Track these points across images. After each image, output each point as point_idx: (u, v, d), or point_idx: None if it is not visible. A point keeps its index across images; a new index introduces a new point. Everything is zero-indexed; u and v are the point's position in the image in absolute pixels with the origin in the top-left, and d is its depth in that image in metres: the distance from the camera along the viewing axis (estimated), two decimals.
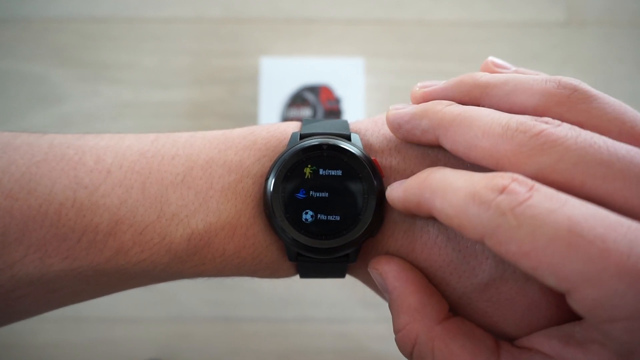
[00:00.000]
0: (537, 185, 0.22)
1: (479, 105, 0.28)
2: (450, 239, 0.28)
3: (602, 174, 0.23)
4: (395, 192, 0.28)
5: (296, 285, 0.76)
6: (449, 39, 0.82)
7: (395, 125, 0.30)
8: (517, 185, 0.22)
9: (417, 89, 0.31)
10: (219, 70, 0.81)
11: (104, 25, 0.81)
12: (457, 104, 0.28)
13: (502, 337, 0.27)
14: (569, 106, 0.26)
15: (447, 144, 0.27)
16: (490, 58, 0.31)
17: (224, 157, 0.30)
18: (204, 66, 0.81)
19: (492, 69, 0.31)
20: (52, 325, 0.76)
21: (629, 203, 0.23)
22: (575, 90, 0.26)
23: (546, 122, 0.24)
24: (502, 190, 0.22)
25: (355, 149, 0.29)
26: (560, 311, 0.26)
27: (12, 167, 0.28)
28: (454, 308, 0.29)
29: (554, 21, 0.82)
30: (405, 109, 0.29)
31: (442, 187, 0.24)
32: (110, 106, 0.80)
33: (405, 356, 0.28)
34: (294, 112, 0.77)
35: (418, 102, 0.30)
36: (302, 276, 0.31)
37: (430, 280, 0.29)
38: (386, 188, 0.30)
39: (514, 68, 0.31)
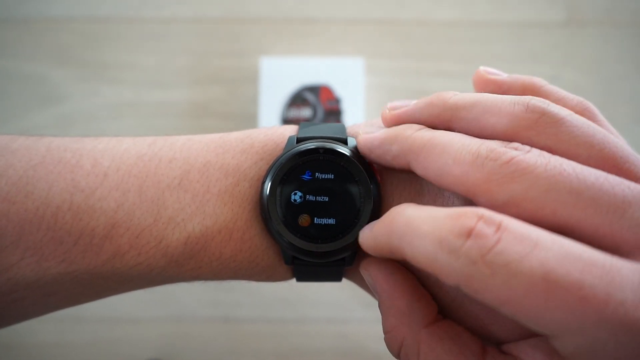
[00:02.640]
0: (505, 222, 0.22)
1: (449, 128, 0.28)
2: None
3: (573, 202, 0.23)
4: (366, 239, 0.27)
5: (296, 286, 0.77)
6: (449, 39, 0.82)
7: (365, 150, 0.29)
8: (484, 226, 0.22)
9: (387, 111, 0.31)
10: (219, 70, 0.81)
11: (104, 25, 0.81)
12: (427, 129, 0.28)
13: (491, 340, 0.27)
14: (538, 130, 0.25)
15: (418, 169, 0.27)
16: (482, 68, 0.31)
17: (221, 160, 0.30)
18: (204, 66, 0.81)
19: (485, 77, 0.31)
20: (52, 325, 0.76)
21: (599, 231, 0.23)
22: (543, 114, 0.26)
23: (516, 149, 0.24)
24: (469, 234, 0.21)
25: (352, 152, 0.30)
26: None
27: (10, 171, 0.28)
28: (446, 310, 0.29)
29: (554, 21, 0.82)
30: (375, 133, 0.29)
31: (409, 234, 0.24)
32: (110, 106, 0.80)
33: (393, 356, 0.28)
34: (294, 112, 0.77)
35: (389, 125, 0.30)
36: (298, 280, 0.32)
37: (423, 283, 0.29)
38: (383, 191, 0.30)
39: (505, 74, 0.30)
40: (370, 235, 0.27)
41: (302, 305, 0.77)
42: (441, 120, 0.28)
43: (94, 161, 0.29)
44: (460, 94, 0.28)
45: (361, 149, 0.30)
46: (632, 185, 0.24)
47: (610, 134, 0.26)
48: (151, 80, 0.81)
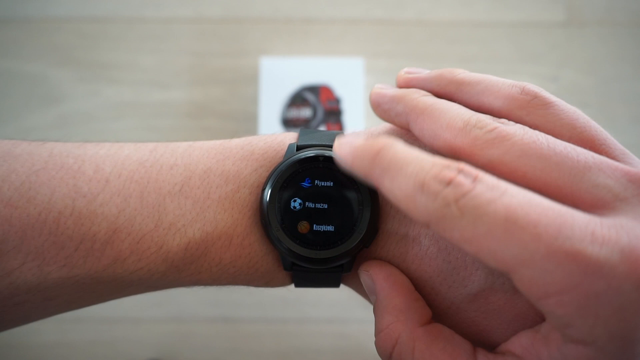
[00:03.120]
0: (481, 175, 0.24)
1: (452, 99, 0.30)
2: (441, 250, 0.29)
3: (541, 166, 0.25)
4: (344, 152, 0.27)
5: None
6: (449, 39, 0.82)
7: (374, 104, 0.32)
8: (463, 177, 0.23)
9: (403, 73, 0.33)
10: (219, 70, 0.81)
11: (104, 25, 0.82)
12: (432, 96, 0.30)
13: (488, 345, 0.28)
14: (529, 110, 0.28)
15: (415, 130, 0.29)
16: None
17: (221, 167, 0.30)
18: (204, 66, 0.81)
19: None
20: (53, 325, 0.76)
21: (562, 191, 0.25)
22: (535, 96, 0.29)
23: (501, 122, 0.27)
24: (449, 182, 0.23)
25: None
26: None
27: (12, 176, 0.28)
28: (442, 316, 0.30)
29: (554, 21, 0.82)
30: (387, 90, 0.32)
31: (394, 169, 0.25)
32: (110, 106, 0.80)
33: (383, 358, 0.28)
34: (294, 112, 0.77)
35: (401, 86, 0.33)
36: (297, 285, 0.32)
37: (420, 290, 0.29)
38: (381, 199, 0.30)
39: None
40: (349, 151, 0.27)
41: (302, 305, 0.77)
42: (446, 91, 0.31)
43: (96, 167, 0.29)
44: (468, 72, 0.31)
45: (372, 101, 0.32)
46: (596, 155, 0.26)
47: (592, 121, 0.29)
48: (151, 80, 0.81)
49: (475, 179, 0.23)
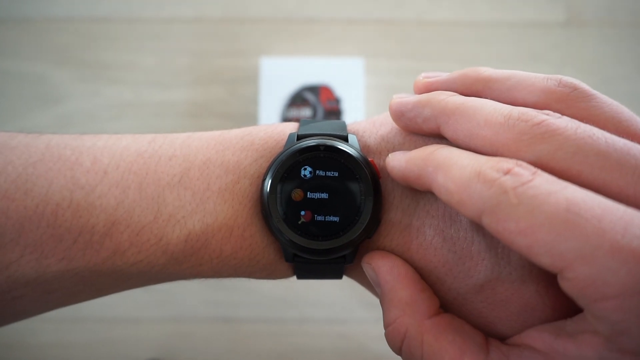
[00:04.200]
0: (540, 171, 0.23)
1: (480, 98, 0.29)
2: (446, 240, 0.28)
3: (600, 164, 0.23)
4: (397, 161, 0.28)
5: (296, 286, 0.76)
6: (449, 39, 0.82)
7: (398, 113, 0.30)
8: (521, 169, 0.23)
9: (421, 78, 0.32)
10: (219, 70, 0.81)
11: (104, 25, 0.81)
12: (460, 95, 0.29)
13: (495, 337, 0.27)
14: (569, 104, 0.26)
15: (448, 132, 0.28)
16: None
17: (221, 157, 0.30)
18: (204, 66, 0.81)
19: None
20: (53, 325, 0.76)
21: (623, 192, 0.23)
22: (575, 88, 0.27)
23: (547, 114, 0.25)
24: (507, 172, 0.23)
25: (353, 150, 0.29)
26: (555, 313, 0.26)
27: (9, 168, 0.28)
28: (448, 308, 0.29)
29: (554, 21, 0.82)
30: (408, 97, 0.30)
31: (448, 163, 0.25)
32: (110, 106, 0.80)
33: (394, 351, 0.28)
34: (294, 112, 0.77)
35: (420, 92, 0.31)
36: (299, 277, 0.31)
37: (425, 280, 0.29)
38: (384, 189, 0.30)
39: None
40: (402, 157, 0.27)
41: (302, 305, 0.77)
42: (473, 90, 0.29)
43: (94, 158, 0.29)
44: (494, 69, 0.29)
45: (393, 112, 0.30)
46: None
47: (635, 114, 0.27)
48: (151, 80, 0.81)
49: (534, 173, 0.23)
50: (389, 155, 0.29)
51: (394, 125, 0.31)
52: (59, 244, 0.28)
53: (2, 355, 0.76)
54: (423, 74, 0.32)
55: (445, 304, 0.29)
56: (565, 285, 0.22)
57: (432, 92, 0.30)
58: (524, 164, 0.23)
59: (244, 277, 0.31)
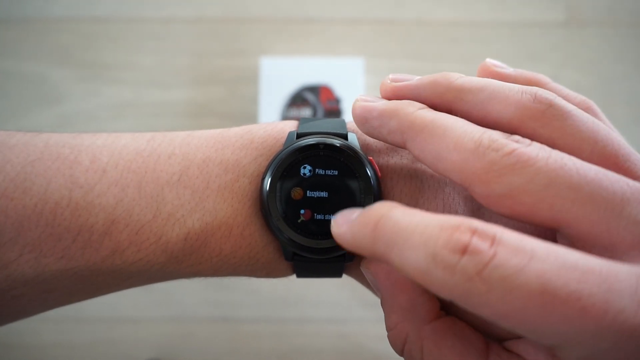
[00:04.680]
0: (499, 235, 0.21)
1: (451, 109, 0.28)
2: None
3: (572, 197, 0.23)
4: (343, 231, 0.25)
5: (296, 286, 0.76)
6: (449, 39, 0.82)
7: (361, 119, 0.29)
8: (479, 241, 0.21)
9: (389, 81, 0.30)
10: (219, 70, 0.81)
11: (104, 25, 0.81)
12: (430, 109, 0.27)
13: (494, 336, 0.27)
14: (543, 122, 0.25)
15: (415, 150, 0.27)
16: (489, 60, 0.31)
17: (220, 156, 0.30)
18: (204, 66, 0.81)
19: (492, 69, 0.30)
20: (53, 325, 0.76)
21: (595, 229, 0.23)
22: (550, 105, 0.26)
23: (517, 141, 0.24)
24: (464, 250, 0.21)
25: (352, 148, 0.29)
26: None
27: (7, 166, 0.28)
28: (449, 306, 0.29)
29: (554, 21, 0.82)
30: (374, 102, 0.29)
31: (398, 244, 0.22)
32: (110, 106, 0.80)
33: (397, 353, 0.28)
34: (294, 112, 0.77)
35: (388, 97, 0.30)
36: (298, 276, 0.31)
37: None
38: (383, 187, 0.30)
39: (511, 69, 0.30)
40: (348, 232, 0.25)
41: (302, 305, 0.77)
42: (444, 100, 0.28)
43: (93, 157, 0.29)
44: (467, 77, 0.28)
45: (356, 116, 0.29)
46: (631, 182, 0.23)
47: (611, 131, 0.26)
48: (151, 80, 0.81)
49: (493, 242, 0.21)
50: (332, 221, 0.26)
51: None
52: (58, 243, 0.28)
53: (2, 355, 0.76)
54: (391, 76, 0.30)
55: (445, 304, 0.29)
56: (560, 356, 0.22)
57: (400, 102, 0.28)
58: (480, 229, 0.21)
59: (244, 275, 0.31)
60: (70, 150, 0.29)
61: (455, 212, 0.28)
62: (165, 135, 0.31)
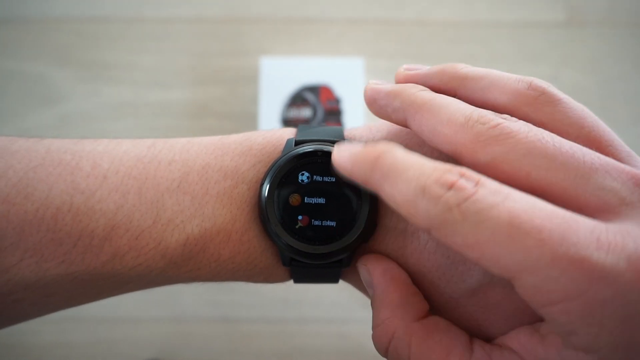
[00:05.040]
0: (483, 179, 0.23)
1: (455, 95, 0.30)
2: (439, 245, 0.29)
3: (546, 166, 0.25)
4: (343, 160, 0.27)
5: (296, 286, 0.77)
6: (449, 39, 0.82)
7: (370, 100, 0.31)
8: (465, 181, 0.23)
9: (402, 69, 0.33)
10: (219, 70, 0.81)
11: (104, 25, 0.82)
12: (430, 91, 0.29)
13: (484, 338, 0.28)
14: (535, 107, 0.28)
15: (413, 125, 0.29)
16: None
17: (220, 162, 0.30)
18: (204, 66, 0.81)
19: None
20: (53, 325, 0.76)
21: (566, 194, 0.24)
22: (543, 93, 0.28)
23: (504, 118, 0.26)
24: (451, 186, 0.23)
25: None
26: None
27: (10, 172, 0.28)
28: (440, 310, 0.29)
29: (554, 21, 0.82)
30: (383, 85, 0.31)
31: (394, 173, 0.25)
32: (110, 106, 0.80)
33: (379, 352, 0.29)
34: (294, 112, 0.77)
35: (400, 82, 0.32)
36: (296, 281, 0.32)
37: (419, 284, 0.29)
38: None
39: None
40: (348, 157, 0.27)
41: (302, 305, 0.77)
42: (449, 87, 0.30)
43: (94, 163, 0.29)
44: (471, 67, 0.30)
45: (367, 97, 0.31)
46: (603, 156, 0.26)
47: (600, 120, 0.28)
48: (151, 80, 0.81)
49: (477, 183, 0.23)
50: (335, 147, 0.28)
51: (390, 130, 0.32)
52: (59, 248, 0.28)
53: (3, 355, 0.76)
54: (405, 66, 0.33)
55: (438, 306, 0.29)
56: (518, 292, 0.23)
57: (405, 85, 0.30)
58: (468, 173, 0.23)
59: (242, 281, 0.31)
60: (71, 157, 0.29)
61: None
62: (166, 141, 0.31)
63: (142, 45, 0.81)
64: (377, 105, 0.31)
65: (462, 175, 0.23)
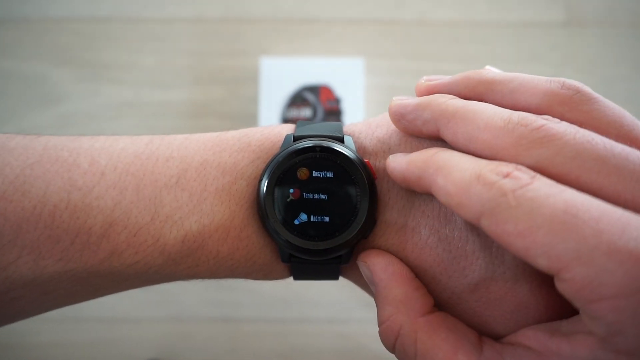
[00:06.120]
0: (539, 175, 0.23)
1: (482, 101, 0.29)
2: (441, 240, 0.28)
3: (598, 169, 0.24)
4: (398, 163, 0.28)
5: (296, 286, 0.77)
6: (449, 39, 0.82)
7: (397, 115, 0.30)
8: (520, 172, 0.23)
9: (423, 81, 0.32)
10: (219, 70, 0.81)
11: (104, 25, 0.82)
12: (460, 99, 0.29)
13: (490, 335, 0.28)
14: (571, 106, 0.27)
15: (447, 135, 0.28)
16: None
17: (218, 159, 0.30)
18: (204, 66, 0.81)
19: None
20: (53, 325, 0.76)
21: (621, 197, 0.23)
22: (578, 91, 0.27)
23: (546, 119, 0.25)
24: (507, 175, 0.23)
25: (348, 151, 0.30)
26: (548, 311, 0.27)
27: (6, 169, 0.28)
28: (443, 306, 0.29)
29: (554, 21, 0.82)
30: (408, 99, 0.30)
31: (449, 166, 0.25)
32: (110, 106, 0.80)
33: (387, 349, 0.28)
34: (294, 112, 0.77)
35: (422, 94, 0.31)
36: (295, 278, 0.32)
37: (420, 279, 0.29)
38: (379, 190, 0.30)
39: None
40: (403, 159, 0.28)
41: (302, 305, 0.77)
42: (476, 92, 0.29)
43: (91, 160, 0.29)
44: (497, 70, 0.30)
45: (393, 114, 0.30)
46: None
47: (637, 120, 0.27)
48: (151, 80, 0.81)
49: (533, 177, 0.23)
50: (390, 156, 0.29)
51: (390, 126, 0.31)
52: (57, 245, 0.28)
53: (2, 355, 0.76)
54: (425, 77, 0.32)
55: (441, 303, 0.29)
56: (562, 286, 0.22)
57: (433, 95, 0.30)
58: (524, 168, 0.23)
59: (241, 277, 0.31)
60: (69, 153, 0.29)
61: (452, 214, 0.29)
62: (164, 138, 0.31)
63: (142, 45, 0.81)
64: (405, 120, 0.30)
65: (517, 169, 0.23)
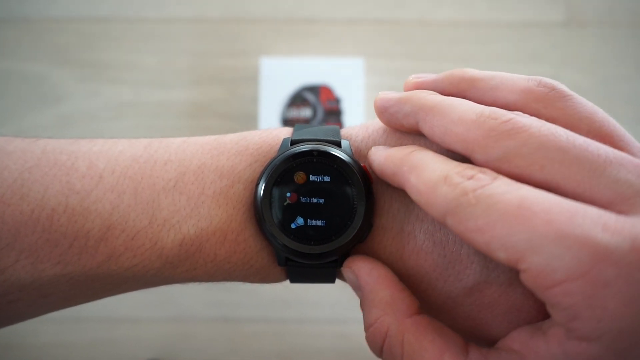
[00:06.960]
0: (501, 176, 0.24)
1: (465, 97, 0.30)
2: (436, 244, 0.29)
3: (560, 159, 0.25)
4: (377, 156, 0.29)
5: (296, 286, 0.77)
6: (449, 39, 0.82)
7: (381, 109, 0.31)
8: (483, 175, 0.24)
9: (411, 79, 0.33)
10: (219, 70, 0.81)
11: (104, 25, 0.82)
12: (439, 94, 0.30)
13: (484, 339, 0.28)
14: (546, 103, 0.28)
15: (425, 128, 0.29)
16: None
17: (216, 162, 0.30)
18: (204, 66, 0.81)
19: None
20: (53, 325, 0.76)
21: (580, 187, 0.25)
22: (553, 89, 0.28)
23: (515, 114, 0.27)
24: (470, 178, 0.24)
25: (345, 155, 0.30)
26: (540, 314, 0.27)
27: (5, 173, 0.28)
28: (438, 312, 0.29)
29: (554, 21, 0.81)
30: (392, 94, 0.31)
31: (421, 165, 0.26)
32: (110, 106, 0.80)
33: (375, 353, 0.28)
34: (294, 112, 0.77)
35: (410, 90, 0.32)
36: (292, 281, 0.32)
37: (417, 285, 0.29)
38: (375, 194, 0.30)
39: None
40: (382, 153, 0.29)
41: (302, 305, 0.77)
42: (459, 89, 0.31)
43: (89, 163, 0.29)
44: (480, 70, 0.31)
45: (377, 107, 0.31)
46: (617, 151, 0.26)
47: (610, 116, 0.28)
48: (151, 80, 0.81)
49: (494, 179, 0.24)
50: (372, 148, 0.30)
51: (386, 130, 0.32)
52: (55, 249, 0.28)
53: (2, 355, 0.76)
54: (413, 75, 0.33)
55: (436, 308, 0.29)
56: (523, 278, 0.24)
57: (414, 90, 0.31)
58: (488, 171, 0.25)
59: (238, 281, 0.31)
60: (67, 157, 0.29)
61: None
62: (162, 141, 0.31)
63: (142, 45, 0.81)
64: (387, 113, 0.31)
65: (482, 171, 0.25)
